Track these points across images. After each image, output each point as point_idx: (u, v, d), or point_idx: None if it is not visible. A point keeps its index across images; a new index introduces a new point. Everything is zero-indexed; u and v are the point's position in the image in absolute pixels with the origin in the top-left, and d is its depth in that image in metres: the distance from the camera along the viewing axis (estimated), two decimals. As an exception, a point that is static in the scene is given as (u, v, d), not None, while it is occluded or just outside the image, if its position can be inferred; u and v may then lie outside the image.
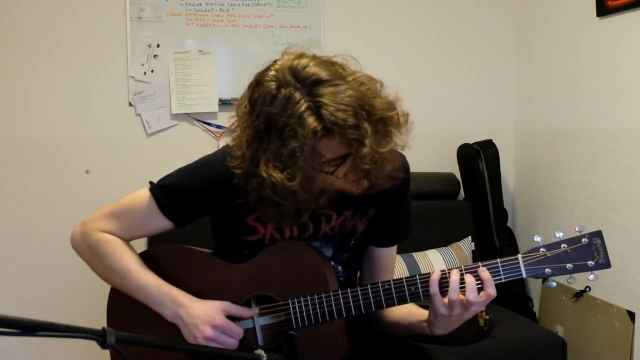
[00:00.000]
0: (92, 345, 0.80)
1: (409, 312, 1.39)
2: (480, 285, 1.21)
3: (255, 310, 1.31)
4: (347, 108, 1.08)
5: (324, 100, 1.08)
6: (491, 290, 1.20)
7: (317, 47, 1.20)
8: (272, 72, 1.14)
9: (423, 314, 1.34)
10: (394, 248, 1.47)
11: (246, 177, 1.18)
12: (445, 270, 1.24)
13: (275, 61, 1.17)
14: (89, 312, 2.34)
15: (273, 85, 1.12)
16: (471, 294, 1.19)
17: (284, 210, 1.18)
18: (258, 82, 1.15)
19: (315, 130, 1.08)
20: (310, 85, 1.10)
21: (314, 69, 1.12)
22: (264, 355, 1.12)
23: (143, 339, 1.00)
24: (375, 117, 1.12)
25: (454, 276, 1.21)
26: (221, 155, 1.30)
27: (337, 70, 1.14)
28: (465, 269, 1.23)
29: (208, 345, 1.24)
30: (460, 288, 1.20)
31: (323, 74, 1.11)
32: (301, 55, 1.16)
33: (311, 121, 1.08)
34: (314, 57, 1.15)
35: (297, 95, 1.09)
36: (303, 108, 1.08)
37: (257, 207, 1.22)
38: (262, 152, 1.12)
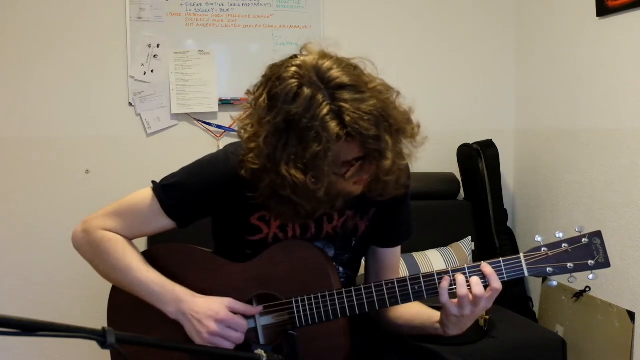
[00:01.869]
0: (92, 345, 0.80)
1: (419, 312, 1.39)
2: (484, 282, 1.22)
3: (259, 307, 1.31)
4: (369, 117, 1.08)
5: (347, 106, 1.08)
6: (496, 284, 1.21)
7: (334, 47, 1.19)
8: (293, 69, 1.12)
9: (435, 315, 1.34)
10: (398, 248, 1.47)
11: (259, 172, 1.17)
12: (448, 272, 1.24)
13: (295, 56, 1.16)
14: (89, 312, 2.35)
15: (295, 82, 1.10)
16: (477, 287, 1.20)
17: (301, 209, 1.18)
18: (279, 77, 1.13)
19: (339, 135, 1.08)
20: (334, 89, 1.10)
21: (337, 73, 1.11)
22: (264, 355, 1.12)
23: (143, 339, 1.00)
24: (395, 127, 1.12)
25: (460, 276, 1.22)
26: (224, 154, 1.30)
27: (359, 76, 1.14)
28: (468, 269, 1.24)
29: (208, 345, 1.24)
30: (467, 286, 1.21)
31: (346, 79, 1.10)
32: (324, 56, 1.15)
33: (334, 126, 1.07)
34: (337, 60, 1.14)
35: (320, 97, 1.09)
36: (325, 111, 1.08)
37: (269, 204, 1.22)
38: (280, 150, 1.11)
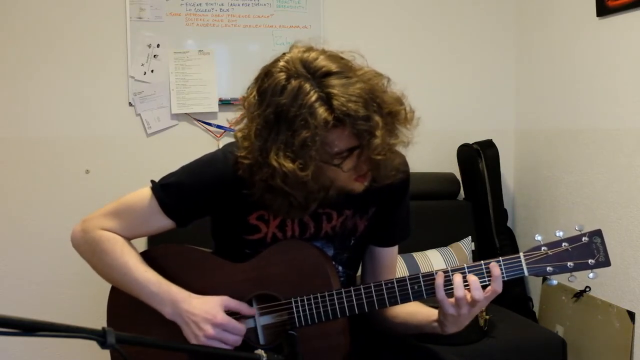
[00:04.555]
0: (92, 345, 0.80)
1: (416, 311, 1.39)
2: (484, 283, 1.22)
3: (254, 309, 1.31)
4: (358, 99, 1.10)
5: (335, 91, 1.10)
6: (497, 286, 1.21)
7: (323, 44, 1.20)
8: (281, 63, 1.15)
9: (432, 313, 1.34)
10: (395, 247, 1.47)
11: (253, 167, 1.18)
12: (447, 271, 1.24)
13: (283, 54, 1.18)
14: (89, 312, 2.34)
15: (283, 76, 1.13)
16: (476, 291, 1.20)
17: (293, 200, 1.19)
18: (267, 73, 1.16)
19: (327, 120, 1.09)
20: (321, 77, 1.12)
21: (324, 62, 1.13)
22: (264, 355, 1.12)
23: (143, 338, 1.00)
24: (385, 110, 1.13)
25: (457, 277, 1.22)
26: (222, 153, 1.31)
27: (346, 63, 1.16)
28: (468, 269, 1.24)
29: (208, 345, 1.23)
30: (465, 286, 1.21)
31: (333, 67, 1.13)
32: (310, 49, 1.17)
33: (322, 111, 1.09)
34: (324, 51, 1.17)
35: (308, 86, 1.11)
36: (314, 98, 1.09)
37: (265, 198, 1.22)
38: (271, 141, 1.13)
